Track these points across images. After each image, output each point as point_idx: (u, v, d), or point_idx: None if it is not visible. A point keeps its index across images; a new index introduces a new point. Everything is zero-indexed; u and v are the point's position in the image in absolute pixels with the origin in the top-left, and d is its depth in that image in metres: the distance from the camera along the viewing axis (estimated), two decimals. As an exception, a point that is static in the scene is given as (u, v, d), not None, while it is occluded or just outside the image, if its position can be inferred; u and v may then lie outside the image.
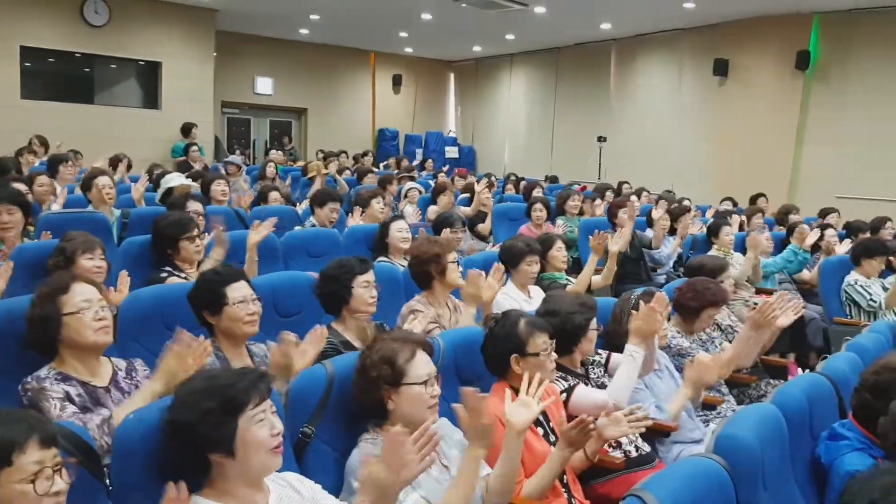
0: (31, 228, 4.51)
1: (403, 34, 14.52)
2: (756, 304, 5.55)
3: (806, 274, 6.11)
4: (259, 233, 4.11)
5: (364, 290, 3.03)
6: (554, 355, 2.64)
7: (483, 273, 3.33)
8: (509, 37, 14.22)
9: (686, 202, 8.37)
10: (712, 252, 5.98)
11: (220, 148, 13.86)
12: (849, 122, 10.68)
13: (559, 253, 4.70)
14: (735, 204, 8.89)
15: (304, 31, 14.51)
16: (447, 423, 2.34)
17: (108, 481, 1.86)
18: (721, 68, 11.74)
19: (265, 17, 13.23)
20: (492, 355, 2.64)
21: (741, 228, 7.28)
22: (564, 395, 2.77)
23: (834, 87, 10.91)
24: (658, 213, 6.46)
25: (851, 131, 10.66)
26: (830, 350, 5.18)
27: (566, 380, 2.84)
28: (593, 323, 2.93)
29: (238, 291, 2.66)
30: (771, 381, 4.01)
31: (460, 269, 3.63)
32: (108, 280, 3.60)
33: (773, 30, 11.13)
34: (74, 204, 5.51)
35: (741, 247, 6.05)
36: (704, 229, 6.57)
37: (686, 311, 3.61)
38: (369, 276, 3.07)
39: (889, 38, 10.33)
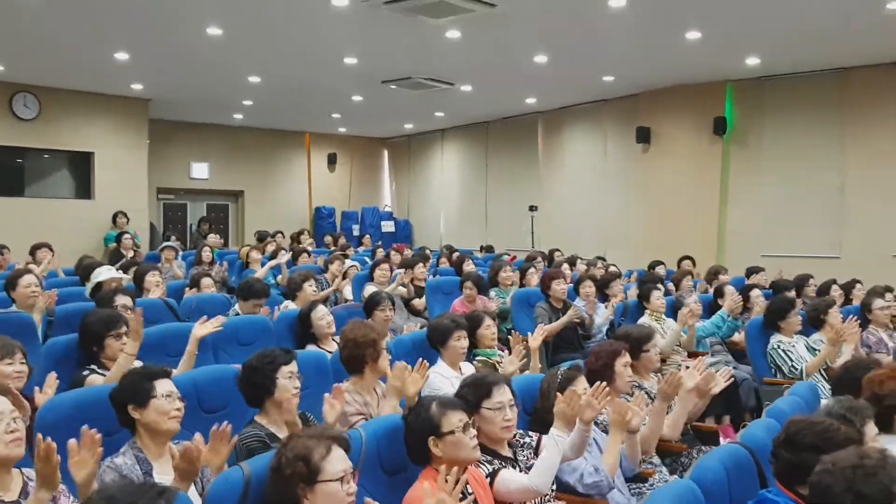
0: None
1: (336, 115, 14.78)
2: (689, 366, 5.69)
3: (736, 336, 6.23)
4: (205, 328, 4.07)
5: (288, 380, 3.05)
6: (473, 431, 2.67)
7: (408, 367, 3.33)
8: (438, 114, 14.61)
9: (613, 268, 8.60)
10: (644, 318, 6.12)
11: (156, 234, 13.73)
12: (767, 183, 11.12)
13: (487, 331, 4.72)
14: (665, 267, 9.11)
15: (237, 116, 14.66)
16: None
17: None
18: (643, 136, 12.14)
19: (198, 104, 13.35)
20: (411, 443, 2.67)
21: (672, 292, 7.49)
22: (489, 479, 2.78)
23: (751, 150, 11.39)
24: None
25: (770, 191, 11.10)
26: (762, 410, 5.32)
27: (491, 463, 2.86)
28: (489, 402, 2.91)
29: (164, 386, 2.68)
30: (703, 447, 4.03)
31: (390, 355, 3.65)
32: (31, 383, 3.52)
33: (690, 98, 11.62)
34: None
35: (672, 312, 6.17)
36: (634, 295, 6.72)
37: (601, 377, 3.66)
38: (293, 366, 3.10)
39: (796, 102, 10.90)
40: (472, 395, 2.91)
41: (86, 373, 3.71)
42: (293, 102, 13.27)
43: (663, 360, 5.54)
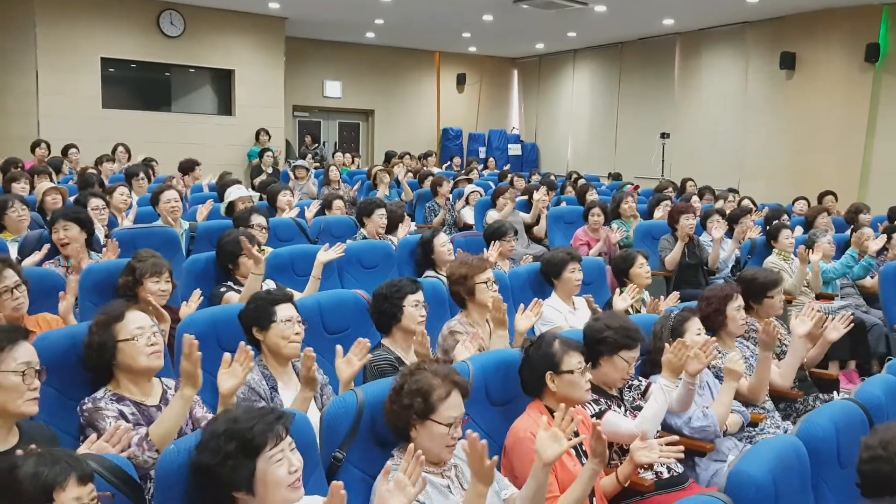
0: (108, 239, 4.79)
1: (466, 34, 14.62)
2: (819, 309, 5.50)
3: (868, 281, 5.91)
4: (329, 254, 4.29)
5: (414, 308, 3.21)
6: (588, 375, 2.72)
7: (503, 302, 3.39)
8: (571, 34, 14.15)
9: (746, 202, 8.22)
10: (772, 257, 5.90)
11: (292, 151, 14.26)
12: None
13: (641, 270, 4.61)
14: (809, 204, 8.64)
15: (370, 35, 14.77)
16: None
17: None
18: (788, 62, 11.41)
19: (332, 22, 13.54)
20: (528, 376, 2.73)
21: (808, 228, 7.13)
22: (594, 419, 2.84)
23: (905, 80, 10.50)
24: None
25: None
26: (893, 357, 5.08)
27: (598, 403, 2.91)
28: (627, 354, 2.93)
29: (286, 311, 2.85)
30: (820, 395, 3.93)
31: (495, 286, 3.69)
32: (177, 297, 3.84)
33: (840, 22, 10.78)
34: (147, 217, 5.80)
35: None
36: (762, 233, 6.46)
37: (714, 322, 3.61)
38: (419, 295, 3.25)
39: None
40: (616, 342, 2.91)
41: (223, 289, 3.99)
42: (424, 21, 13.21)
43: (789, 301, 5.37)
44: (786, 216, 7.04)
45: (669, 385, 2.88)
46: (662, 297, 4.44)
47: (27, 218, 4.97)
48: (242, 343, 2.47)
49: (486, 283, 3.63)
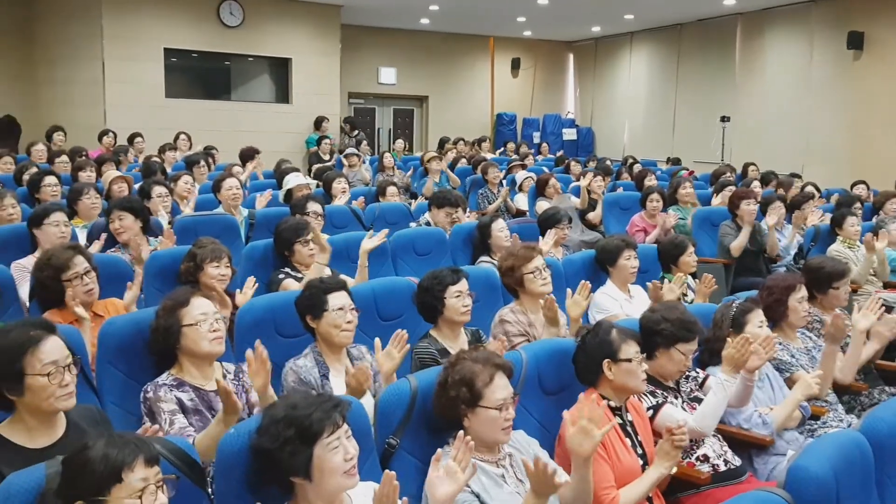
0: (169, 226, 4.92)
1: (521, 18, 14.50)
2: (885, 299, 5.31)
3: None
4: (372, 242, 4.29)
5: (456, 300, 3.17)
6: (645, 366, 2.70)
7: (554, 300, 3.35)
8: (628, 16, 13.90)
9: (809, 188, 7.98)
10: (836, 245, 5.74)
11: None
12: None
13: (689, 258, 4.55)
14: (868, 188, 8.36)
15: (424, 21, 14.78)
16: (523, 435, 2.46)
17: (210, 490, 2.11)
18: (856, 41, 11.00)
19: (387, 9, 13.60)
20: (584, 363, 2.71)
21: (874, 214, 6.91)
22: (651, 411, 2.82)
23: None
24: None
25: None
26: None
27: (654, 395, 2.88)
28: (684, 347, 2.89)
29: (338, 300, 2.86)
30: (886, 388, 3.82)
31: (546, 273, 3.64)
32: (236, 283, 3.93)
33: (914, 0, 10.36)
34: (207, 205, 5.91)
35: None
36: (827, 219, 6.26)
37: (775, 313, 3.53)
38: (461, 286, 3.20)
39: None
40: (674, 335, 2.87)
41: (281, 276, 4.06)
42: (478, 6, 13.16)
43: (855, 290, 5.21)
44: (858, 204, 6.78)
45: (729, 380, 2.83)
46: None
47: (99, 206, 5.15)
48: (258, 342, 2.48)
49: (533, 272, 3.57)
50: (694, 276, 4.74)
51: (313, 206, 5.09)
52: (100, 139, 10.03)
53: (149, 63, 11.86)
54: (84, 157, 7.86)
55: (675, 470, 2.55)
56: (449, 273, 3.22)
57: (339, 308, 2.84)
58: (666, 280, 4.36)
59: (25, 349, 2.02)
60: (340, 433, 1.89)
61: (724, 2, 12.30)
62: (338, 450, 1.88)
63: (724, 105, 13.32)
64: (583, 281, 3.47)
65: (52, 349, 2.06)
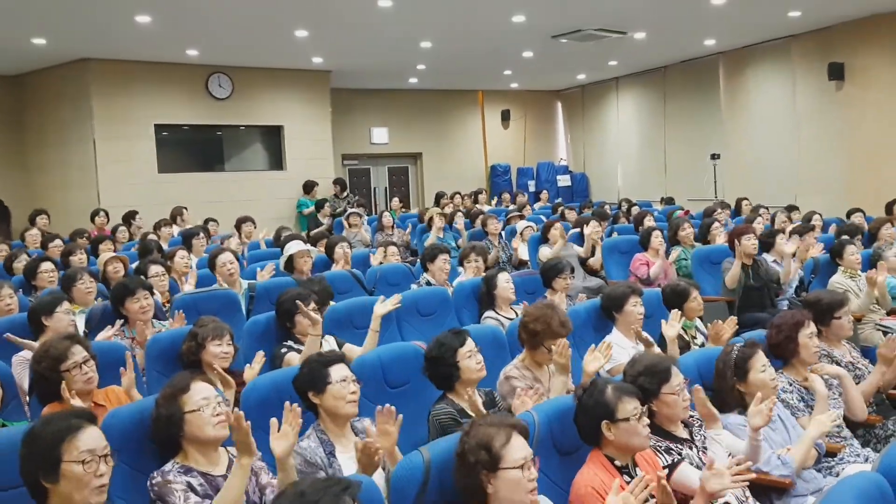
0: (168, 305, 4.89)
1: (507, 72, 14.74)
2: (887, 326, 5.26)
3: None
4: (385, 307, 4.25)
5: (469, 360, 3.16)
6: (647, 420, 2.65)
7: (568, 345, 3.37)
8: (612, 63, 14.14)
9: (816, 217, 8.01)
10: (837, 276, 5.72)
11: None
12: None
13: (694, 303, 4.53)
14: (864, 215, 8.38)
15: (413, 80, 15.00)
16: (546, 501, 2.41)
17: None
18: (836, 72, 11.17)
19: (376, 72, 13.79)
20: (584, 424, 2.68)
21: (871, 241, 6.91)
22: (667, 469, 2.76)
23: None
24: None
25: None
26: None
27: (670, 452, 2.84)
28: (668, 387, 2.89)
29: (340, 371, 2.84)
30: (901, 418, 3.80)
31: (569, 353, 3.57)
32: (239, 360, 3.90)
33: (889, 28, 10.53)
34: (207, 280, 5.83)
35: (870, 266, 5.67)
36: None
37: (785, 350, 3.51)
38: (469, 345, 3.20)
39: None
40: (652, 383, 2.87)
41: (284, 350, 4.03)
42: (465, 63, 13.37)
43: (858, 320, 5.18)
44: (859, 235, 6.80)
45: (719, 433, 2.92)
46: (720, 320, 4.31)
47: (94, 290, 5.07)
48: (287, 402, 2.48)
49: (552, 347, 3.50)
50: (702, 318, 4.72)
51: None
52: (92, 219, 10.06)
53: (140, 140, 11.83)
54: (86, 239, 7.91)
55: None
56: (453, 337, 3.21)
57: (342, 379, 2.81)
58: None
59: (65, 436, 2.09)
60: (352, 517, 1.85)
61: (704, 42, 12.52)
62: (352, 534, 1.83)
63: (714, 142, 13.47)
64: (608, 341, 3.45)
65: (90, 438, 2.13)
